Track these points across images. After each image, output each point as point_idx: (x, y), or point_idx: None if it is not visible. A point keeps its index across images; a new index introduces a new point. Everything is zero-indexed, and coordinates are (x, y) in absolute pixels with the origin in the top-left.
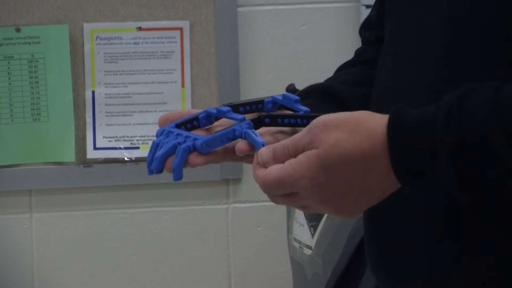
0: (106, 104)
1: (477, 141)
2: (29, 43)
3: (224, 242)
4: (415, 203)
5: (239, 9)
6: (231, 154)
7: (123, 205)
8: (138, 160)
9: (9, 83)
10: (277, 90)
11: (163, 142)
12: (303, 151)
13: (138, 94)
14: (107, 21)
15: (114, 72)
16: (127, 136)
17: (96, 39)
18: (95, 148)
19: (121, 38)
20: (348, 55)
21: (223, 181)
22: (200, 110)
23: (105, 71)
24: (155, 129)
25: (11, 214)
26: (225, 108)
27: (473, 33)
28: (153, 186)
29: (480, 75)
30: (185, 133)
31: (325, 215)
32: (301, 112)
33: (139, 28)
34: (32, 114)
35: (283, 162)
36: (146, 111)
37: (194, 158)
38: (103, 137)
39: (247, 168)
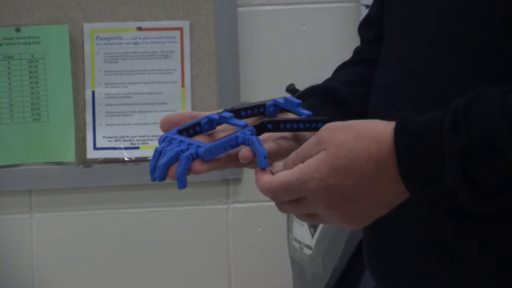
0: (106, 104)
1: (484, 145)
2: (29, 43)
3: (224, 242)
4: (413, 204)
5: (239, 9)
6: (233, 161)
7: (123, 205)
8: (138, 160)
9: (9, 83)
10: (277, 90)
11: (166, 149)
12: (311, 155)
13: (138, 94)
14: (107, 21)
15: (114, 72)
16: (127, 136)
17: (96, 39)
18: (95, 148)
19: (121, 38)
20: (348, 55)
21: (223, 181)
22: (202, 113)
23: (105, 71)
24: (155, 129)
25: (11, 214)
26: (227, 114)
27: (470, 33)
28: (153, 186)
29: (479, 75)
30: (187, 139)
31: None
32: (303, 116)
33: (139, 28)
34: (32, 114)
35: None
36: (146, 111)
37: (197, 165)
38: (103, 137)
39: (247, 168)
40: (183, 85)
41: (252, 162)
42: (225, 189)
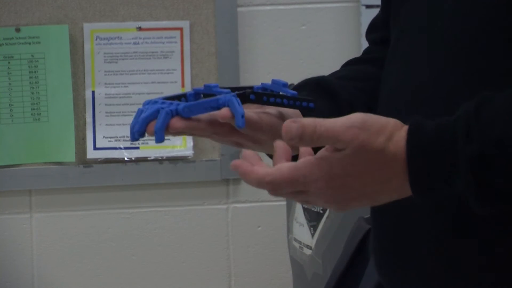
0: (106, 104)
1: (496, 153)
2: (29, 43)
3: (224, 242)
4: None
5: (239, 9)
6: (214, 126)
7: (123, 205)
8: (138, 160)
9: (9, 83)
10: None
11: (147, 107)
12: (331, 148)
13: (138, 94)
14: (107, 21)
15: (114, 72)
16: (127, 136)
17: (96, 39)
18: (95, 148)
19: (121, 38)
20: (348, 55)
21: (223, 181)
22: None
23: (105, 71)
24: None
25: (11, 214)
26: (212, 84)
27: (475, 33)
28: (153, 186)
29: (485, 76)
30: (170, 102)
31: (325, 216)
32: (289, 95)
33: (139, 28)
34: (32, 114)
35: (307, 145)
36: None
37: (175, 121)
38: (103, 137)
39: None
40: (183, 85)
41: (230, 136)
42: (225, 189)
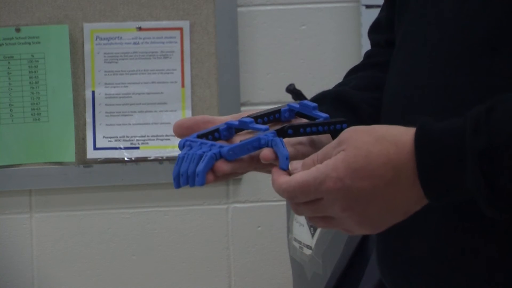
0: (106, 104)
1: (506, 149)
2: (29, 43)
3: (224, 242)
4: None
5: (239, 9)
6: (254, 163)
7: (123, 205)
8: (138, 160)
9: (9, 83)
10: (277, 90)
11: (189, 153)
12: (330, 156)
13: (138, 94)
14: (107, 21)
15: (114, 72)
16: (127, 136)
17: (96, 39)
18: (95, 148)
19: (121, 38)
20: (348, 55)
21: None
22: (215, 117)
23: (105, 71)
24: (155, 129)
25: (11, 214)
26: (248, 119)
27: (479, 38)
28: (153, 186)
29: (487, 80)
30: (209, 142)
31: None
32: (321, 119)
33: (139, 28)
34: (32, 114)
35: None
36: (146, 111)
37: (221, 164)
38: (103, 137)
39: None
40: (183, 85)
41: (269, 166)
42: (225, 189)
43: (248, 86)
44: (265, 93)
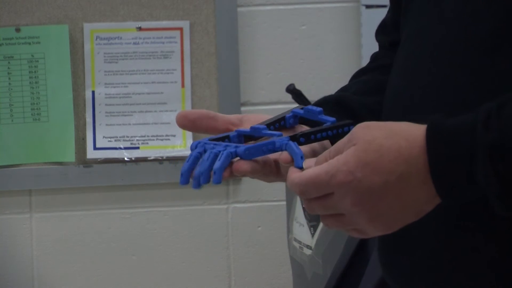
0: (106, 104)
1: None
2: (29, 43)
3: (224, 242)
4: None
5: (239, 9)
6: (268, 167)
7: (123, 205)
8: (138, 160)
9: (9, 83)
10: (277, 90)
11: (203, 154)
12: (343, 151)
13: (138, 94)
14: (107, 21)
15: (114, 72)
16: (127, 136)
17: (96, 39)
18: (95, 148)
19: (121, 38)
20: (348, 55)
21: (223, 181)
22: (217, 114)
23: (105, 71)
24: (155, 129)
25: (11, 214)
26: (260, 126)
27: (482, 37)
28: (153, 186)
29: (489, 80)
30: (223, 143)
31: None
32: (328, 123)
33: (139, 28)
34: (32, 114)
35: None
36: (146, 111)
37: (241, 164)
38: (103, 137)
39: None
40: (183, 85)
41: (274, 174)
42: (225, 189)
43: (248, 86)
44: (265, 93)
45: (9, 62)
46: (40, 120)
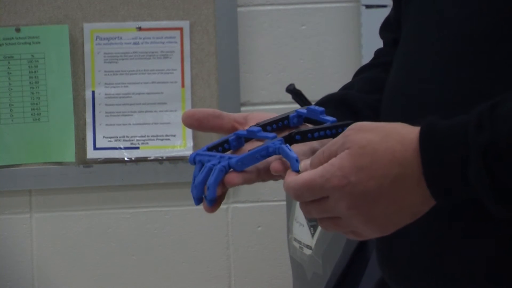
0: (106, 104)
1: (509, 146)
2: (29, 43)
3: (224, 242)
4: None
5: (239, 9)
6: (263, 174)
7: (123, 205)
8: (138, 160)
9: (9, 83)
10: (277, 90)
11: (198, 167)
12: (336, 153)
13: (138, 94)
14: (107, 21)
15: (114, 72)
16: (127, 136)
17: (96, 39)
18: (95, 148)
19: (121, 38)
20: (348, 55)
21: None
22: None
23: (105, 71)
24: (155, 129)
25: (11, 214)
26: (255, 128)
27: (479, 35)
28: (153, 186)
29: (488, 76)
30: (218, 154)
31: None
32: (328, 123)
33: (139, 28)
34: (32, 114)
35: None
36: (146, 111)
37: (232, 177)
38: (103, 137)
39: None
40: (183, 85)
41: (280, 177)
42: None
43: (248, 86)
44: (265, 93)
45: (9, 62)
46: (40, 120)
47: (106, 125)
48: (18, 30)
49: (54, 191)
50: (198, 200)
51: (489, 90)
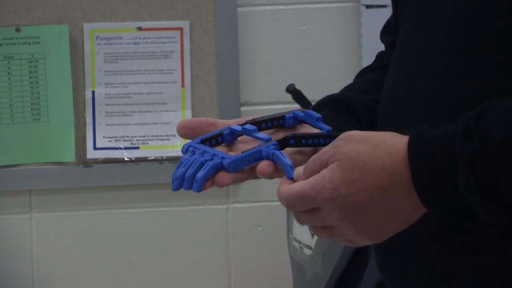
0: (106, 104)
1: (497, 152)
2: (29, 43)
3: (224, 242)
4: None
5: (239, 9)
6: (254, 173)
7: (123, 205)
8: (138, 160)
9: (9, 83)
10: (277, 90)
11: (189, 159)
12: (327, 164)
13: (138, 94)
14: (107, 21)
15: (114, 72)
16: (127, 136)
17: (96, 39)
18: (95, 148)
19: (121, 38)
20: (348, 55)
21: None
22: (217, 120)
23: (105, 71)
24: (155, 129)
25: (11, 214)
26: (251, 127)
27: (476, 35)
28: (153, 186)
29: (483, 77)
30: (211, 150)
31: None
32: (324, 131)
33: (139, 28)
34: (32, 114)
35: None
36: (146, 111)
37: (223, 177)
38: (103, 137)
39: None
40: (183, 85)
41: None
42: (225, 189)
43: (248, 86)
44: (265, 93)
45: (9, 62)
46: (40, 120)
47: (106, 125)
48: (18, 30)
49: (54, 191)
50: (177, 188)
51: (482, 92)
